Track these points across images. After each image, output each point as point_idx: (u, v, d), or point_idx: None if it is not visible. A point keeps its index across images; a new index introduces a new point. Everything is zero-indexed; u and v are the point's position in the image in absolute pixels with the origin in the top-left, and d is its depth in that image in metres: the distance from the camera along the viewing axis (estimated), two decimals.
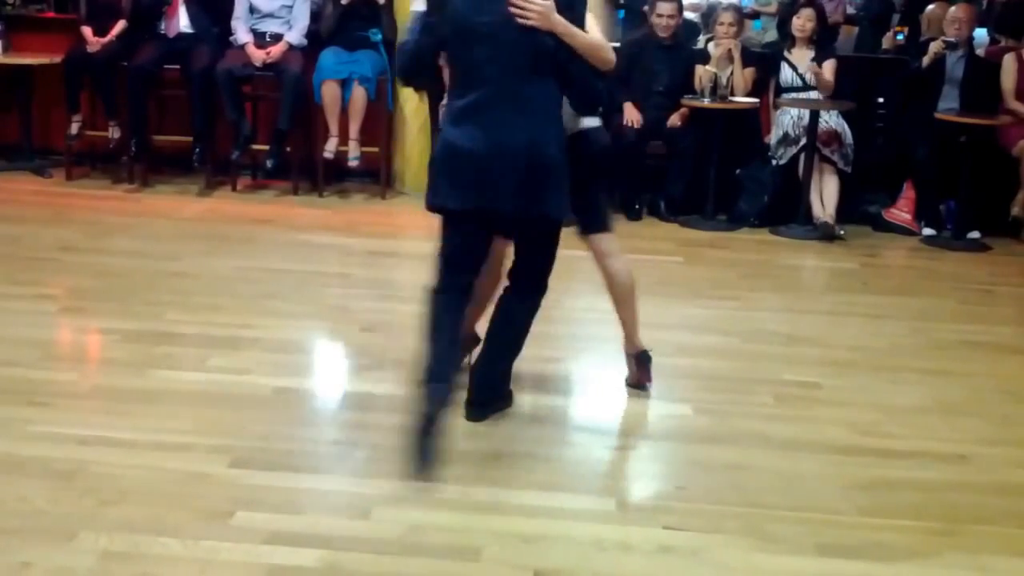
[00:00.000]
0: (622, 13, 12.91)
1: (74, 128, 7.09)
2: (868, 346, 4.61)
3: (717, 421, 3.70)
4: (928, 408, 3.94)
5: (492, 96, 3.19)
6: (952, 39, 6.57)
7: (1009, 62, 6.69)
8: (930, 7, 7.71)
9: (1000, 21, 7.60)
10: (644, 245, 6.12)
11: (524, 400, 3.85)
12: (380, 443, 3.38)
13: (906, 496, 3.24)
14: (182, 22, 7.00)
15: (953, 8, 6.85)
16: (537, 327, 4.64)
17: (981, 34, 7.65)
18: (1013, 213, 6.51)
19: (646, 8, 7.08)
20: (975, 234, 6.48)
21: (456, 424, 3.55)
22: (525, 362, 4.21)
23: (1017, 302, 5.47)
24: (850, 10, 11.12)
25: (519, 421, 3.68)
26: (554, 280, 5.45)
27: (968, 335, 4.81)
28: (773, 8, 11.09)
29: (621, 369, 4.00)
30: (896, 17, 11.88)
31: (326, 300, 4.91)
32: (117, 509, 2.90)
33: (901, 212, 6.72)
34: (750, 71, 6.81)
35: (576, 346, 4.50)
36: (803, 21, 6.72)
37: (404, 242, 6.37)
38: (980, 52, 7.08)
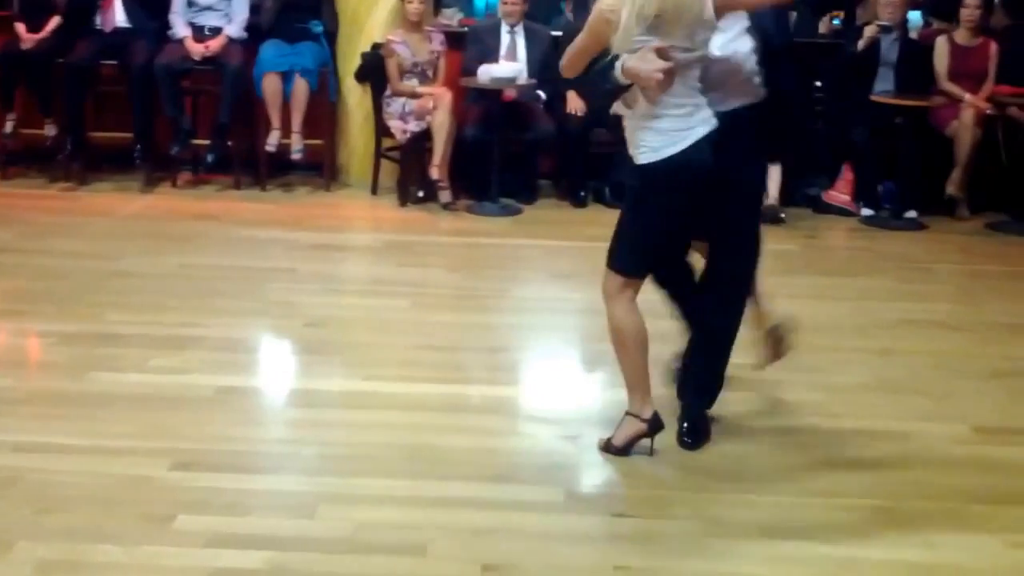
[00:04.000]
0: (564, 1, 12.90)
1: (8, 127, 6.94)
2: (810, 327, 4.61)
3: (664, 407, 3.71)
4: (871, 387, 3.99)
5: None
6: (886, 22, 6.64)
7: (941, 44, 6.80)
8: None
9: (933, 4, 7.71)
10: (589, 232, 6.09)
11: (472, 392, 3.85)
12: (327, 440, 3.36)
13: (851, 475, 3.29)
14: (118, 17, 6.88)
15: None
16: (487, 317, 4.67)
17: (915, 17, 7.76)
18: (949, 192, 6.62)
19: None
20: (912, 213, 6.57)
21: (398, 419, 3.56)
22: (473, 352, 4.23)
23: (955, 279, 5.55)
24: None
25: (467, 413, 3.68)
26: (502, 269, 5.48)
27: (908, 313, 4.88)
28: None
29: (570, 357, 4.01)
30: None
31: (270, 296, 4.86)
32: (56, 517, 2.85)
33: (840, 194, 6.79)
34: None
35: (525, 335, 4.50)
36: None
37: (349, 235, 6.34)
38: (914, 35, 7.18)
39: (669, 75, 2.99)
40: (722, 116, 3.19)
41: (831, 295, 5.13)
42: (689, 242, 3.48)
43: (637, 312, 3.28)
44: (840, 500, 3.11)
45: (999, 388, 4.05)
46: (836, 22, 8.33)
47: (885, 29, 6.64)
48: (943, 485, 3.24)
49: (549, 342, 4.44)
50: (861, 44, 6.71)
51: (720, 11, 3.09)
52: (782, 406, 3.78)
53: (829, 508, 3.07)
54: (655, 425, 3.33)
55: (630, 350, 3.30)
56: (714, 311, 3.46)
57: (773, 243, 6.10)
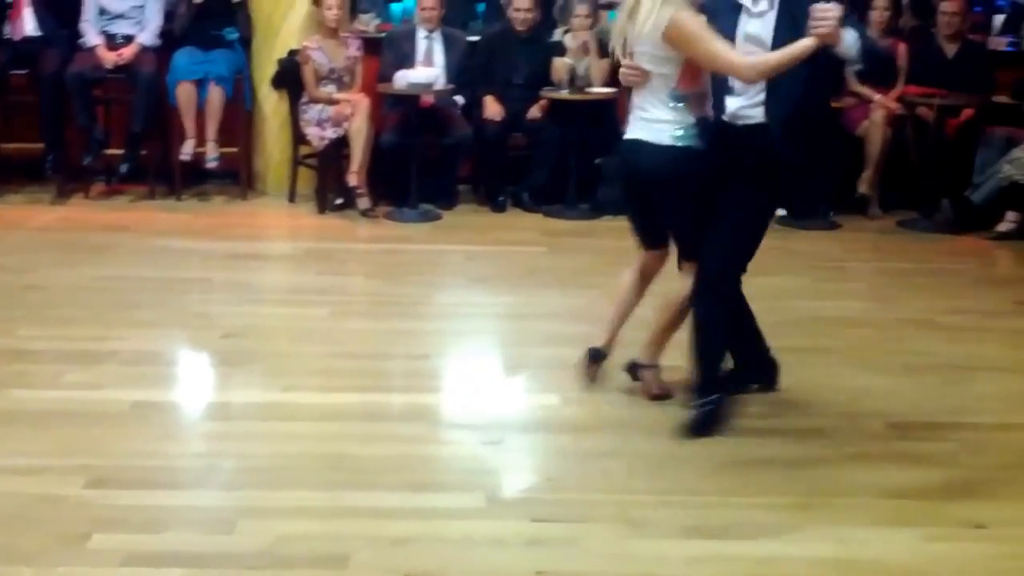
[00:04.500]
0: (482, 7, 12.93)
1: None
2: None
3: (585, 410, 3.75)
4: (786, 385, 4.03)
5: None
6: None
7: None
8: None
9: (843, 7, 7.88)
10: (509, 236, 6.16)
11: (393, 400, 3.83)
12: (246, 453, 3.32)
13: (768, 474, 3.34)
14: (28, 25, 6.72)
15: None
16: (407, 324, 4.65)
17: None
18: (860, 191, 6.77)
19: (503, 2, 7.10)
20: (826, 212, 6.70)
21: (318, 429, 3.53)
22: (393, 360, 4.22)
23: (867, 277, 5.68)
24: None
25: (388, 421, 3.66)
26: (422, 276, 5.45)
27: (822, 311, 4.97)
28: None
29: (491, 362, 4.01)
30: None
31: (186, 307, 4.78)
32: None
33: None
34: (607, 62, 6.88)
35: (446, 342, 4.49)
36: None
37: (267, 244, 6.27)
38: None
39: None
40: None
41: (747, 295, 5.18)
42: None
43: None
44: (759, 499, 3.16)
45: (911, 384, 4.15)
46: None
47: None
48: (860, 481, 3.31)
49: (470, 348, 4.43)
50: None
51: (672, 45, 3.37)
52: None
53: (748, 507, 3.11)
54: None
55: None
56: (696, 300, 3.63)
57: None
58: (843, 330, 4.73)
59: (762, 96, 3.40)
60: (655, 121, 3.50)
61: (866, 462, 3.46)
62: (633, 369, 3.86)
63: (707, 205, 3.52)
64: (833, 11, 3.21)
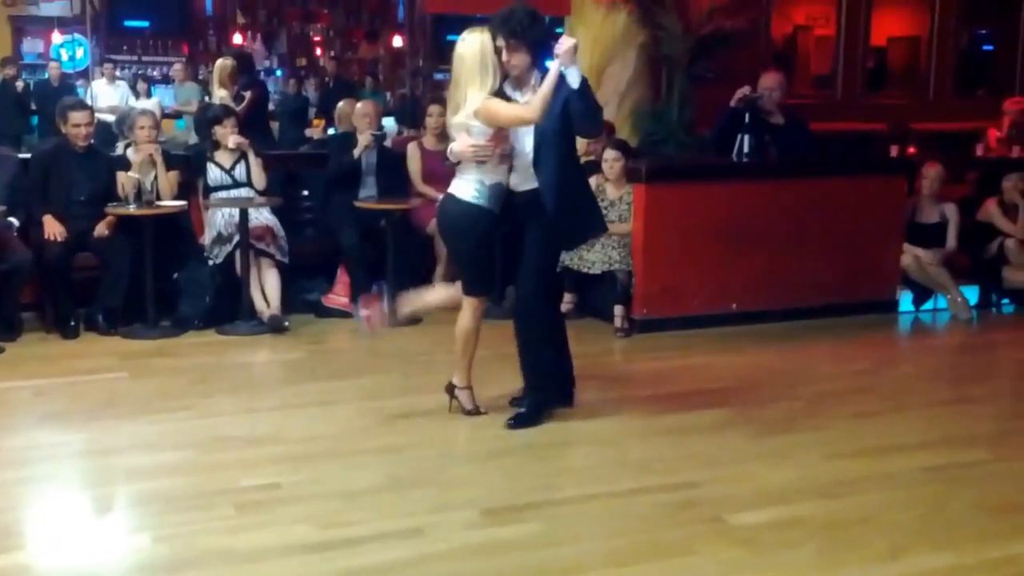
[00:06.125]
0: (35, 120, 12.23)
1: None
2: (323, 435, 4.72)
3: (178, 546, 3.55)
4: (383, 487, 4.10)
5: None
6: (378, 132, 6.99)
7: (412, 149, 7.36)
8: (340, 104, 8.22)
9: (400, 113, 8.32)
10: (84, 364, 5.77)
11: None
12: None
13: None
14: None
15: (360, 104, 7.36)
16: None
17: (390, 124, 8.31)
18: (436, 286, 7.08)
19: (58, 117, 6.74)
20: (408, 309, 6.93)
21: None
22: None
23: (451, 368, 5.91)
24: (270, 107, 11.51)
25: None
26: None
27: (414, 406, 5.08)
28: (193, 107, 11.14)
29: (78, 507, 3.70)
30: (313, 111, 12.54)
31: None
32: None
33: (339, 296, 7.00)
34: (174, 174, 6.76)
35: (17, 493, 4.08)
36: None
37: None
38: (388, 143, 7.66)
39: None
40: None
41: (341, 399, 5.24)
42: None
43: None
44: None
45: (496, 468, 4.36)
46: (332, 131, 8.70)
47: (378, 138, 7.01)
48: (462, 575, 3.39)
49: (46, 496, 4.06)
50: (356, 152, 7.01)
51: (483, 120, 4.54)
52: (301, 523, 3.73)
53: None
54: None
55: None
56: (516, 320, 4.90)
57: (280, 352, 6.23)
58: (434, 423, 4.85)
59: (533, 173, 4.62)
60: (463, 180, 4.67)
61: (467, 554, 3.53)
62: (450, 390, 4.95)
63: (488, 251, 4.75)
64: (568, 42, 4.43)
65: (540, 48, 4.61)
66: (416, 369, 5.81)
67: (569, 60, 4.40)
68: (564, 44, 4.42)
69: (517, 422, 4.79)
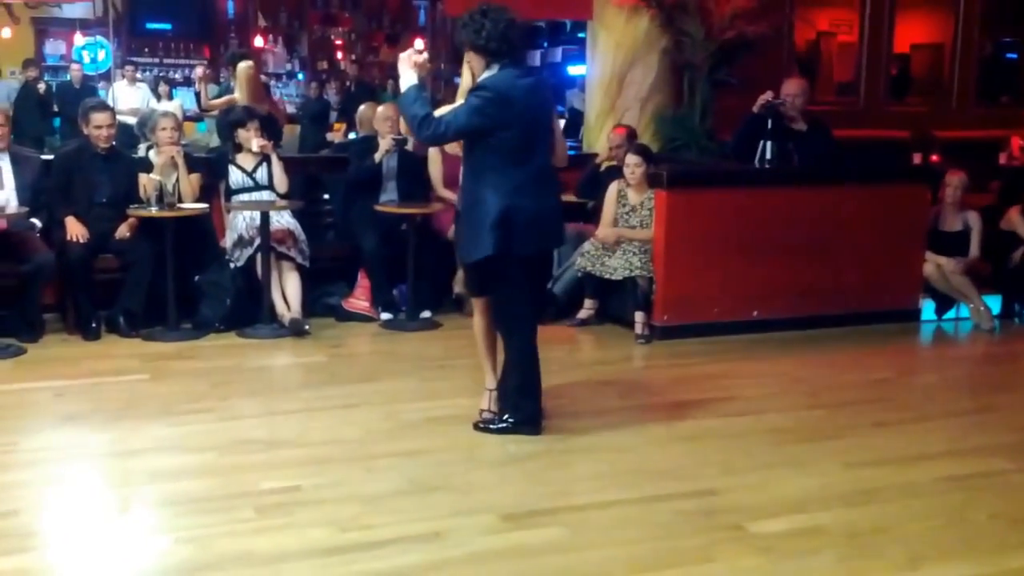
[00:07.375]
0: (57, 121, 12.30)
1: None
2: (343, 438, 4.72)
3: (199, 548, 3.56)
4: (402, 491, 4.10)
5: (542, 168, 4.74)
6: (400, 136, 6.98)
7: (434, 154, 7.31)
8: (361, 107, 8.22)
9: None
10: (105, 366, 5.80)
11: None
12: None
13: None
14: None
15: (382, 108, 7.35)
16: None
17: None
18: (456, 291, 7.09)
19: (80, 118, 6.78)
20: (427, 313, 6.95)
21: None
22: None
23: (469, 373, 5.87)
24: (291, 109, 11.55)
25: None
26: (3, 420, 4.97)
27: (431, 411, 5.10)
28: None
29: (97, 509, 3.71)
30: (334, 115, 12.56)
31: None
32: None
33: (359, 300, 7.03)
34: (196, 176, 6.78)
35: (37, 494, 4.10)
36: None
37: None
38: (409, 147, 7.64)
39: None
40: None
41: (361, 402, 5.25)
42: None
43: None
44: None
45: (516, 473, 4.36)
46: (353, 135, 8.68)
47: (399, 142, 6.99)
48: None
49: (66, 497, 4.07)
50: (378, 157, 7.00)
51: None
52: (320, 526, 3.74)
53: None
54: None
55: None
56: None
57: (300, 356, 6.24)
58: (452, 427, 4.85)
59: None
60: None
61: (485, 559, 3.53)
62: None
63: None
64: (405, 53, 4.59)
65: (503, 53, 4.49)
66: (431, 373, 5.82)
67: (403, 69, 4.51)
68: (422, 53, 4.66)
69: (491, 432, 4.81)
